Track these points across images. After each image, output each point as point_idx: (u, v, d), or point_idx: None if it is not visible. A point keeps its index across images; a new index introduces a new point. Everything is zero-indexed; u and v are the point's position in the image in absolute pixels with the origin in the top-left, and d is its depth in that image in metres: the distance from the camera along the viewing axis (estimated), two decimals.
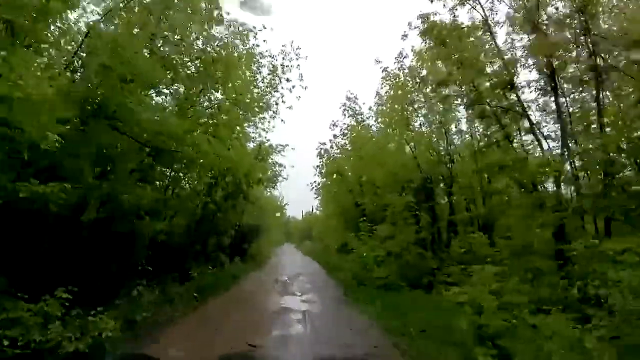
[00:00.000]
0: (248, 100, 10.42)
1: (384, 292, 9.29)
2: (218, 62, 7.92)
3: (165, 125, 6.27)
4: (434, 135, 12.49)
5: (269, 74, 11.82)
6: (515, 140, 9.63)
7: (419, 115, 13.31)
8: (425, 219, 10.72)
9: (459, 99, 10.89)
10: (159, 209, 9.89)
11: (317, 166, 21.60)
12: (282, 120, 13.58)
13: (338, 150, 20.33)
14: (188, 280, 10.96)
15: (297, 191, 57.81)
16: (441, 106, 12.79)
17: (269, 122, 14.11)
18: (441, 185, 12.92)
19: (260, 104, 12.56)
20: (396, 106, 13.62)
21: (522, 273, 6.14)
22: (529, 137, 10.24)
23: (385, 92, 14.23)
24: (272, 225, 29.83)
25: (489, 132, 10.39)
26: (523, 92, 8.39)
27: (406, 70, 12.83)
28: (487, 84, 9.98)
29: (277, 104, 12.33)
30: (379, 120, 16.53)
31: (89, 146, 5.55)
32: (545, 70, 7.57)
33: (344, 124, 18.71)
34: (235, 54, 8.93)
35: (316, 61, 32.39)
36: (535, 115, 9.98)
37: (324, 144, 20.26)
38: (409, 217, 10.60)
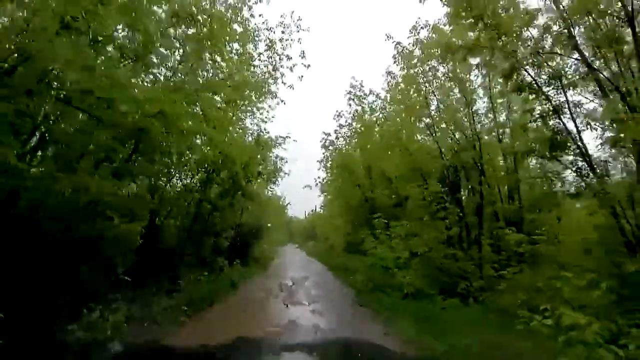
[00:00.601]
0: (246, 73, 8.85)
1: (410, 301, 7.71)
2: (199, 20, 6.33)
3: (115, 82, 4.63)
4: (458, 117, 10.81)
5: (266, 50, 10.31)
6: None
7: (437, 95, 11.70)
8: (454, 214, 9.10)
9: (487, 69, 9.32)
10: (138, 208, 8.36)
11: (322, 160, 20.25)
12: (282, 102, 12.19)
13: (344, 142, 18.94)
14: (178, 290, 9.42)
15: (301, 192, 56.46)
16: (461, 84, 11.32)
17: (267, 112, 12.81)
18: (463, 173, 11.33)
19: (263, 90, 11.18)
20: (410, 89, 12.06)
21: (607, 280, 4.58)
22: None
23: (399, 71, 12.66)
24: (274, 225, 28.44)
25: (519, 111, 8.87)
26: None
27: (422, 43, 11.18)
28: (523, 49, 8.43)
29: (275, 84, 10.85)
30: (391, 107, 15.03)
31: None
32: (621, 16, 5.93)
33: (349, 112, 17.34)
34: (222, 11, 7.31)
35: (319, 53, 31.08)
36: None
37: (329, 134, 18.90)
38: (438, 211, 8.91)
